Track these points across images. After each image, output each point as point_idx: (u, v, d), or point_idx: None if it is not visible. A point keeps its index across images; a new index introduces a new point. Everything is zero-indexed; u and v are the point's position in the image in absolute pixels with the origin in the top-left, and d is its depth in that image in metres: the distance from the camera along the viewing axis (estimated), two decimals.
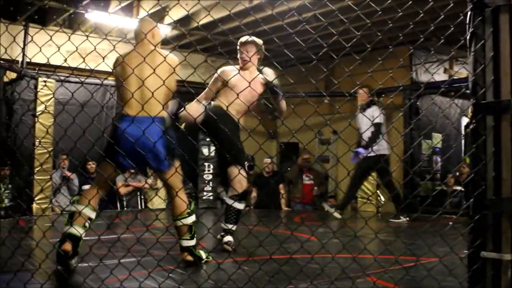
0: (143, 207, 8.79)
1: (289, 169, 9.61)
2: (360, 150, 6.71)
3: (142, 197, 8.88)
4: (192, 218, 3.55)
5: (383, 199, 8.38)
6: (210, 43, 8.77)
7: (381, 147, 6.68)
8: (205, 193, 9.23)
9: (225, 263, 3.33)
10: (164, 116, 3.41)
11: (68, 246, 3.29)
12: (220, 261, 3.25)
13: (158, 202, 8.67)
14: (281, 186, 8.97)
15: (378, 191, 8.26)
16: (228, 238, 4.04)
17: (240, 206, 4.10)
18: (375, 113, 6.68)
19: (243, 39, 4.59)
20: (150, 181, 8.77)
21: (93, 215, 3.46)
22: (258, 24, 6.05)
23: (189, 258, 3.51)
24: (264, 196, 8.88)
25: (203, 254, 3.62)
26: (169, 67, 3.23)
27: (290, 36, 6.80)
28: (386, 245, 3.38)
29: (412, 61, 8.50)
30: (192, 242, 3.55)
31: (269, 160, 8.99)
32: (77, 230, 3.35)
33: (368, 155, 6.62)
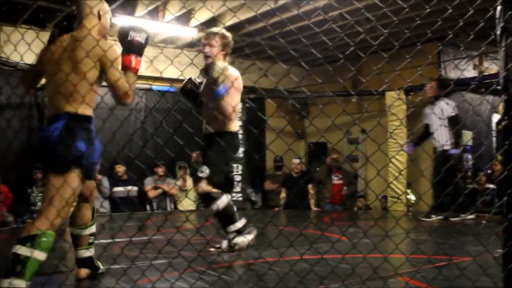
0: (172, 208, 8.86)
1: (318, 169, 9.58)
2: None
3: (171, 199, 8.94)
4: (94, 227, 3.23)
5: (413, 198, 8.29)
6: (236, 44, 8.80)
7: (446, 142, 6.52)
8: (234, 194, 9.25)
9: (256, 263, 3.34)
10: (72, 111, 2.75)
11: (83, 272, 3.20)
12: (251, 262, 3.26)
13: (187, 203, 8.73)
14: (310, 186, 8.94)
15: (408, 190, 8.17)
16: (237, 239, 3.88)
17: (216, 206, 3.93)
18: (446, 107, 6.53)
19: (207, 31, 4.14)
20: (179, 183, 8.83)
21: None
22: (284, 24, 6.05)
23: (85, 272, 3.20)
24: (294, 196, 8.86)
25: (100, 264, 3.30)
26: (99, 57, 2.73)
27: (317, 35, 6.79)
28: (418, 245, 3.34)
29: (440, 58, 8.39)
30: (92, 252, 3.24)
31: (297, 161, 8.97)
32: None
33: (439, 149, 6.49)
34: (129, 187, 8.37)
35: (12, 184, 7.48)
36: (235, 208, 3.94)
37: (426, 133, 6.82)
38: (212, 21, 7.84)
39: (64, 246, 4.43)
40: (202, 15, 7.40)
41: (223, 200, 3.85)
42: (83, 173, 2.76)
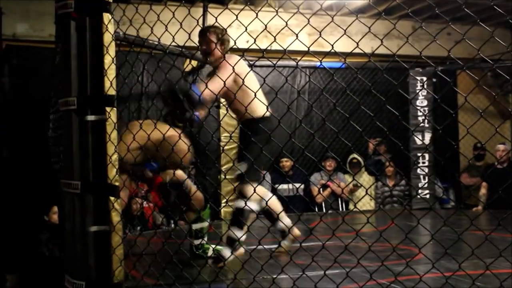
0: (344, 209, 8.86)
1: None
2: None
3: (343, 198, 8.91)
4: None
5: None
6: (421, 4, 8.52)
7: None
8: (420, 191, 8.98)
9: (454, 277, 3.24)
10: None
11: None
12: (447, 274, 3.17)
13: (363, 202, 8.63)
14: None
15: None
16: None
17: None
18: None
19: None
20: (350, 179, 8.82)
21: None
22: None
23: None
24: (499, 192, 8.38)
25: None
26: None
27: None
28: None
29: None
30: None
31: (502, 147, 8.38)
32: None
33: None
34: (297, 184, 8.47)
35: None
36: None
37: None
38: None
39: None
40: None
41: None
42: None
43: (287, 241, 4.86)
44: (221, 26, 3.71)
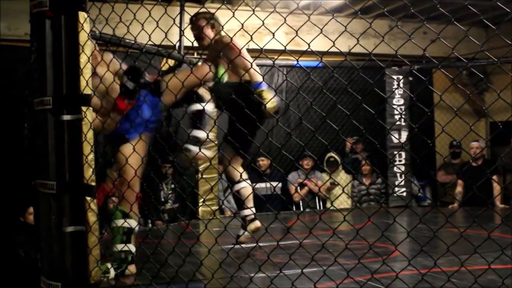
0: (321, 207, 8.88)
1: (503, 155, 9.06)
2: None
3: (320, 197, 8.94)
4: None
5: None
6: (393, 4, 8.59)
7: None
8: (397, 189, 9.04)
9: (430, 274, 3.26)
10: None
11: None
12: (423, 271, 3.19)
13: (340, 200, 8.68)
14: (494, 177, 8.48)
15: None
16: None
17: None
18: None
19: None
20: (327, 177, 8.84)
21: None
22: None
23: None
24: (473, 190, 8.45)
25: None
26: None
27: None
28: None
29: None
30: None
31: (476, 144, 8.44)
32: None
33: None
34: (274, 183, 8.47)
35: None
36: None
37: None
38: None
39: (200, 251, 4.66)
40: None
41: None
42: None
43: (247, 233, 4.71)
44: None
